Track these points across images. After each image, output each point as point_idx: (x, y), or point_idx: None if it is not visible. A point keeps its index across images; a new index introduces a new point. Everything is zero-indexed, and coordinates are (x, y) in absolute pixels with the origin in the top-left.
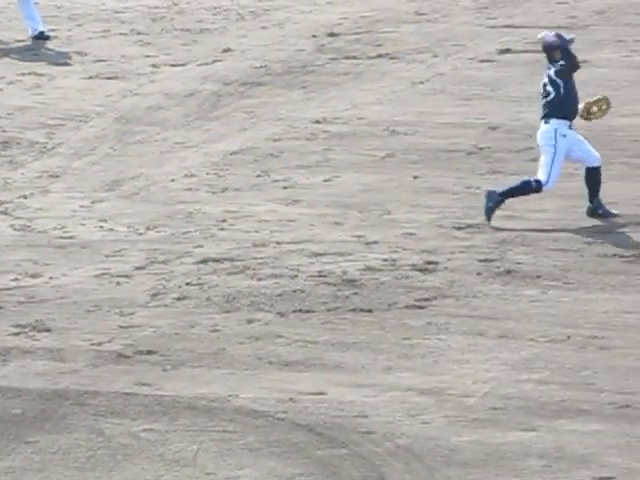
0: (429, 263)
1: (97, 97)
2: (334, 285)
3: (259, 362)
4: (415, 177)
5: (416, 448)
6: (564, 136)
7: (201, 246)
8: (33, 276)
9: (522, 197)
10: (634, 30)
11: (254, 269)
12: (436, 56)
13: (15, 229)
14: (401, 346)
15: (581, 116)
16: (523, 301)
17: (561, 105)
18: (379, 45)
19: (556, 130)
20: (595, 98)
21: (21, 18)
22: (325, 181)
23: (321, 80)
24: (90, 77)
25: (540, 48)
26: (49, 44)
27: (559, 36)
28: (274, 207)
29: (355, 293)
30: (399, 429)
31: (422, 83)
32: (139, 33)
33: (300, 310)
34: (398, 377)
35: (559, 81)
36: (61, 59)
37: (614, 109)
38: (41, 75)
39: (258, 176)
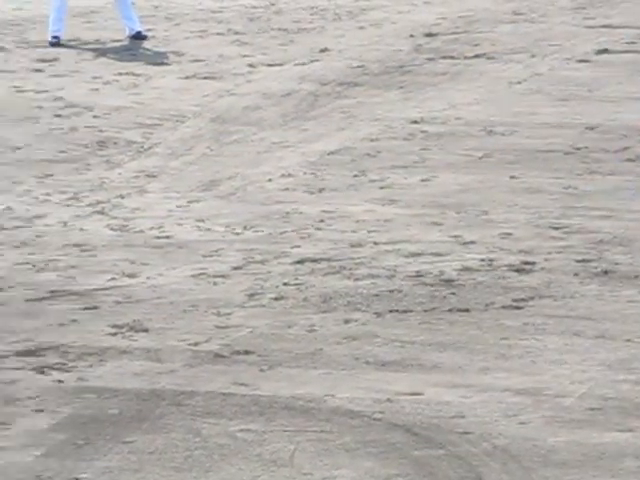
0: (526, 263)
1: (194, 97)
2: (431, 285)
3: (356, 362)
4: (512, 177)
5: (513, 449)
6: None
7: (298, 246)
8: (130, 276)
9: (619, 197)
10: None
11: (351, 269)
12: (533, 56)
13: (112, 229)
14: (498, 346)
15: None
16: (620, 301)
17: None
18: (476, 45)
19: None
20: None
21: (118, 18)
22: (422, 181)
23: (418, 80)
24: (187, 77)
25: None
26: (146, 44)
27: None
28: (371, 207)
29: (452, 293)
30: (496, 429)
31: (519, 83)
32: (236, 33)
33: (397, 310)
34: (495, 377)
35: None
36: (158, 59)
37: None
38: (138, 75)
39: (355, 176)
